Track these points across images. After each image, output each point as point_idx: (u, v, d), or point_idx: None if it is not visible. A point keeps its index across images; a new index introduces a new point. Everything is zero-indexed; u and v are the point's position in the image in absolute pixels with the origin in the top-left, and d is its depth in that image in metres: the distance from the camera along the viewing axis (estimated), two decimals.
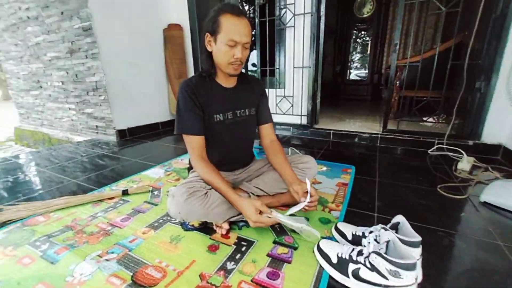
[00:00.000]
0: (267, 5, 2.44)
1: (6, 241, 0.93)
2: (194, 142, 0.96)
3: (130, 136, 2.61)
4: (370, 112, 3.61)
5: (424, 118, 2.19)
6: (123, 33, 2.46)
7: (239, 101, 1.04)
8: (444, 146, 1.86)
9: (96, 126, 2.63)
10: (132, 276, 0.75)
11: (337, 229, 0.93)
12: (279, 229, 0.98)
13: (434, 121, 2.26)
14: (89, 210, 1.15)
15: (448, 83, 1.96)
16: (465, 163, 1.56)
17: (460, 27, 1.89)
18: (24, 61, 2.98)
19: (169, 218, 1.07)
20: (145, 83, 2.74)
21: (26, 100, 3.27)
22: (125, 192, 1.28)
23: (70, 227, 1.01)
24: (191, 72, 3.09)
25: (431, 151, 1.91)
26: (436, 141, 1.95)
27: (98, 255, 0.84)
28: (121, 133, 2.53)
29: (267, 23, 2.46)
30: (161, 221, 1.05)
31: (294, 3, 2.28)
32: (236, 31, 0.86)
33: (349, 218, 1.06)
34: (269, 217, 0.85)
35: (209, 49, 0.92)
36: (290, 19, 2.34)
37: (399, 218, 0.82)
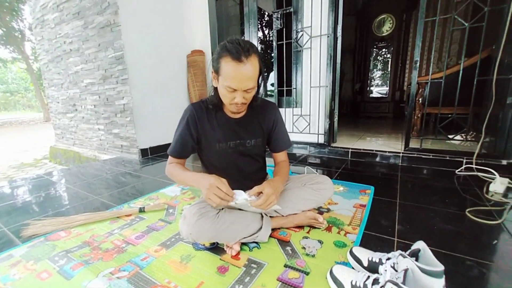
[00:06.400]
0: (284, 29, 2.53)
1: (29, 255, 0.98)
2: (175, 162, 1.03)
3: (152, 155, 2.73)
4: (392, 130, 3.48)
5: (450, 136, 2.06)
6: (150, 59, 2.68)
7: (243, 132, 1.03)
8: (474, 166, 1.72)
9: (121, 145, 2.79)
10: None
11: (352, 254, 0.87)
12: (291, 252, 0.94)
13: (462, 139, 2.12)
14: (107, 226, 1.19)
15: (475, 99, 1.86)
16: (498, 185, 1.42)
17: (486, 41, 1.81)
18: (64, 87, 3.31)
19: (181, 237, 1.08)
20: (168, 105, 2.91)
21: (63, 122, 3.59)
22: (141, 210, 1.33)
23: (88, 243, 1.05)
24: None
25: (458, 171, 1.78)
26: (465, 161, 1.81)
27: (111, 273, 0.86)
28: (143, 152, 2.67)
29: (284, 46, 2.54)
30: (173, 239, 1.06)
31: (311, 26, 2.35)
32: (234, 79, 0.81)
33: (366, 242, 1.00)
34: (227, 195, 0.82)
35: (214, 84, 0.93)
36: (307, 41, 2.40)
37: (420, 245, 0.75)
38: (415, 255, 0.74)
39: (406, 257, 0.70)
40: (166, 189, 1.68)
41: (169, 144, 1.05)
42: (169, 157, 1.04)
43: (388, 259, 0.77)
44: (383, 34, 4.88)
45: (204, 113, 1.00)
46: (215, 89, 0.96)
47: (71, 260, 0.94)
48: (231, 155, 1.04)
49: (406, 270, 0.66)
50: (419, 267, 0.66)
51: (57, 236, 1.11)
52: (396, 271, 0.70)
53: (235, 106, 0.91)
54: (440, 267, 0.67)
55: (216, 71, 0.87)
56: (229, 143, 1.02)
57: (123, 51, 2.42)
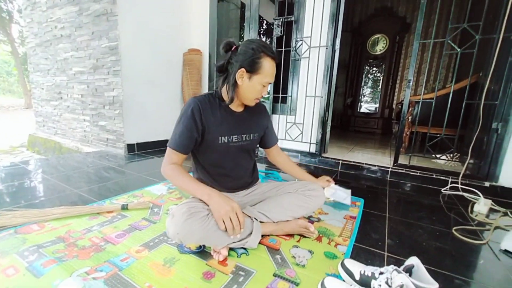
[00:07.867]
0: (284, 37, 2.55)
1: None
2: (176, 158, 0.97)
3: (139, 151, 2.64)
4: (380, 145, 3.55)
5: (438, 155, 2.12)
6: (145, 53, 2.61)
7: (245, 126, 1.07)
8: (459, 186, 1.77)
9: (107, 138, 2.68)
10: None
11: (344, 267, 0.85)
12: (280, 261, 0.91)
13: (448, 159, 2.19)
14: (85, 222, 1.11)
15: (462, 122, 1.93)
16: (482, 206, 1.46)
17: (474, 68, 1.89)
18: (51, 74, 3.16)
19: (166, 238, 1.02)
20: (160, 101, 2.83)
21: (45, 109, 3.42)
22: (124, 207, 1.25)
23: (63, 238, 0.97)
24: None
25: (444, 190, 1.82)
26: (450, 180, 1.86)
27: (86, 272, 0.79)
28: (130, 147, 2.56)
29: (282, 54, 2.56)
30: (157, 240, 1.00)
31: (311, 36, 2.38)
32: (273, 75, 0.95)
33: (356, 254, 0.98)
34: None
35: (239, 82, 0.94)
36: (306, 51, 2.43)
37: (414, 261, 0.74)
38: (409, 271, 0.73)
39: (401, 272, 0.69)
40: (151, 187, 1.61)
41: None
42: (169, 153, 0.97)
43: (381, 273, 0.75)
44: (377, 53, 5.04)
45: (208, 106, 0.99)
46: (234, 87, 0.96)
47: (42, 256, 0.85)
48: (231, 150, 1.04)
49: (401, 286, 0.64)
50: (414, 284, 0.65)
51: (28, 229, 1.02)
52: (390, 286, 0.68)
53: (256, 101, 1.02)
54: (435, 285, 0.66)
55: (253, 70, 0.92)
56: (232, 137, 1.03)
57: (118, 42, 2.35)
